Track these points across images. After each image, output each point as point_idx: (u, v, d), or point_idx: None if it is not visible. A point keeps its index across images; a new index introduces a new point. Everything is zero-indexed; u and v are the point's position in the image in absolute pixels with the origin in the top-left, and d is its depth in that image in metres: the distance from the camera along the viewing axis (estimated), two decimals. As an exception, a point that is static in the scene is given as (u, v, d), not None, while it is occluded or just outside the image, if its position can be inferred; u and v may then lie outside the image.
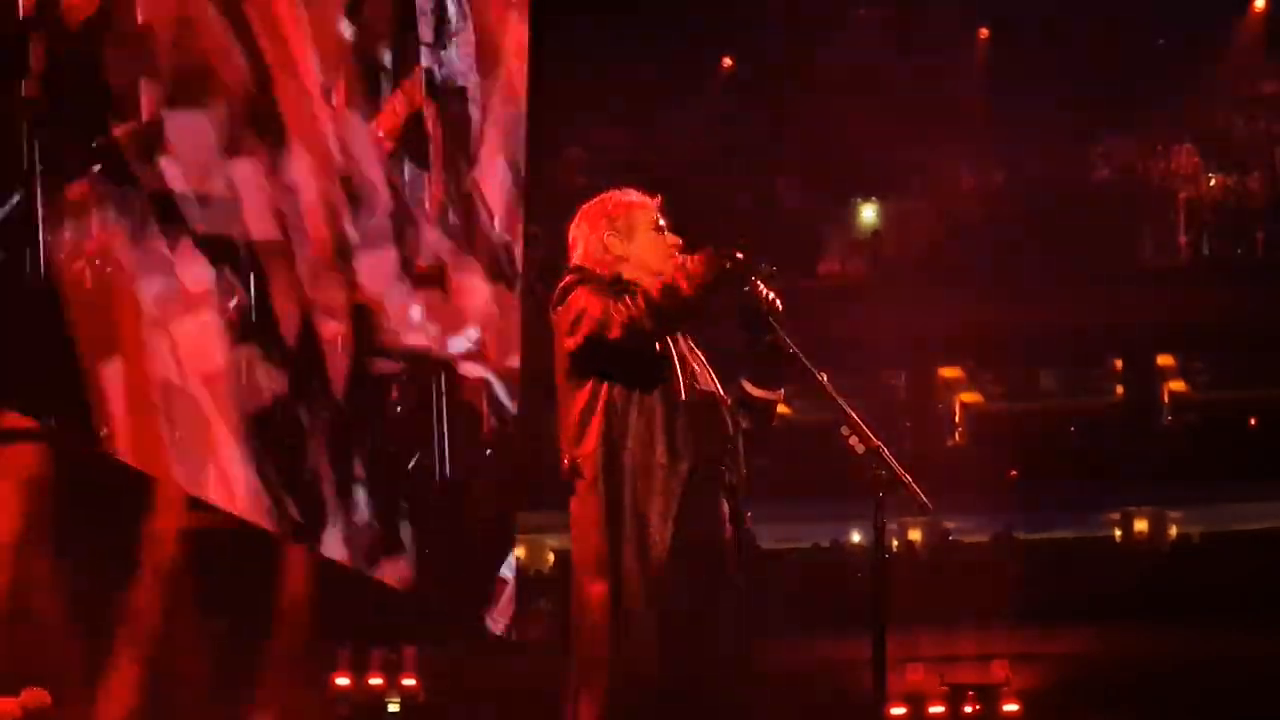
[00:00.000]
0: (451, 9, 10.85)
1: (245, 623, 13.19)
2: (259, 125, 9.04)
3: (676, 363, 4.73)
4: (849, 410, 4.55)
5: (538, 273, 15.26)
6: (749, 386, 4.82)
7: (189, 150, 8.38)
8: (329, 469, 9.55)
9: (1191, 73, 18.25)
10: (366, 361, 9.98)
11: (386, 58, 10.19)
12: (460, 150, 10.94)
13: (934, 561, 17.44)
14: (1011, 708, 15.96)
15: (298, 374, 9.24)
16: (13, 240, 7.24)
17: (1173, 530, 18.88)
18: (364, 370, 9.94)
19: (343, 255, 9.76)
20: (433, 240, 10.65)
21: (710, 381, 4.83)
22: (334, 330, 9.62)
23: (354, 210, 9.82)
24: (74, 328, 7.64)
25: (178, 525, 11.31)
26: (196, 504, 10.27)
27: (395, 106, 10.27)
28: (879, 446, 4.51)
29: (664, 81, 18.19)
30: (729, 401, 4.82)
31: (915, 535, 18.00)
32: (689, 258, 4.65)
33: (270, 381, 9.03)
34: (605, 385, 4.69)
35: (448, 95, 10.80)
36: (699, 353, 4.89)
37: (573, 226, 4.97)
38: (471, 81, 11.05)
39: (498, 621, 11.36)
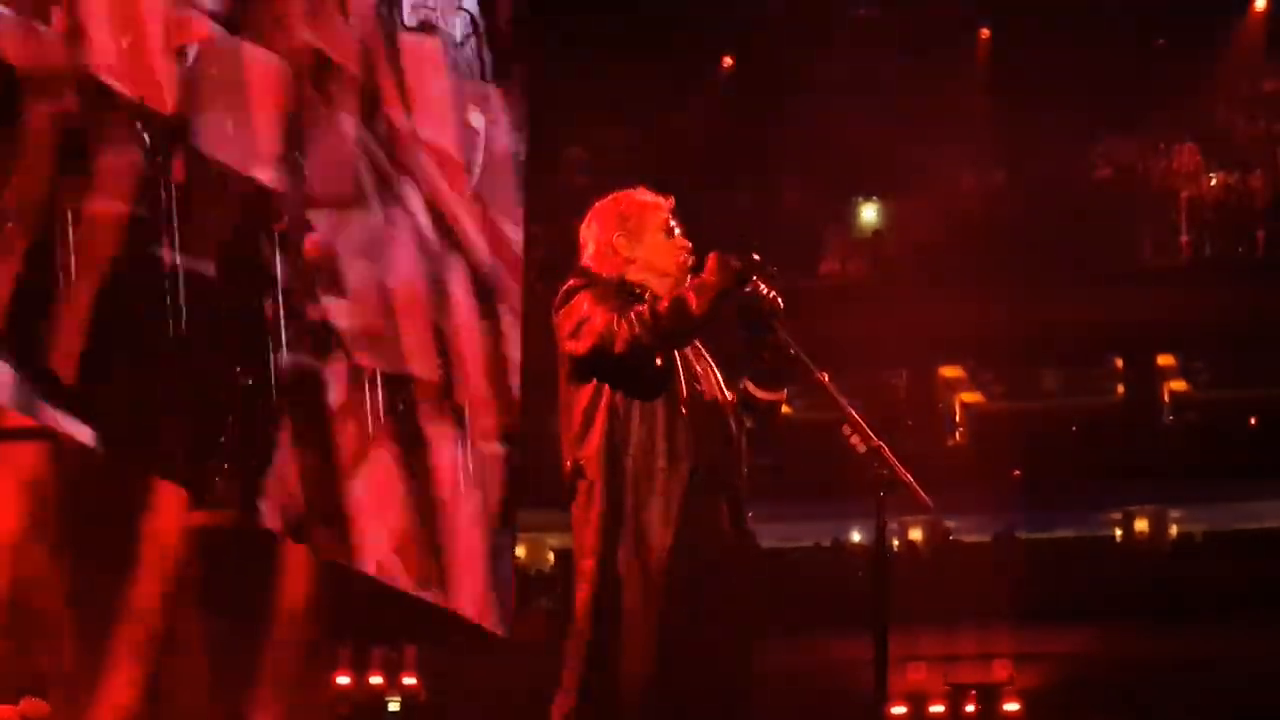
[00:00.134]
0: None
1: (246, 622, 13.18)
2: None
3: (679, 366, 4.72)
4: (850, 410, 4.55)
5: (538, 273, 15.26)
6: (751, 387, 4.82)
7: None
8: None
9: (1192, 72, 18.25)
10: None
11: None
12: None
13: (935, 561, 17.44)
14: (1012, 707, 15.97)
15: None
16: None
17: (1174, 530, 18.88)
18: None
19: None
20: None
21: (714, 384, 4.81)
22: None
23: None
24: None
25: (178, 524, 11.31)
26: (197, 503, 10.28)
27: None
28: (880, 446, 4.51)
29: (664, 81, 18.18)
30: (732, 403, 4.81)
31: (916, 535, 18.01)
32: (701, 276, 4.64)
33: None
34: (607, 388, 4.68)
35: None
36: (706, 354, 4.87)
37: (584, 226, 4.96)
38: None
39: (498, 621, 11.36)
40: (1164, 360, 19.11)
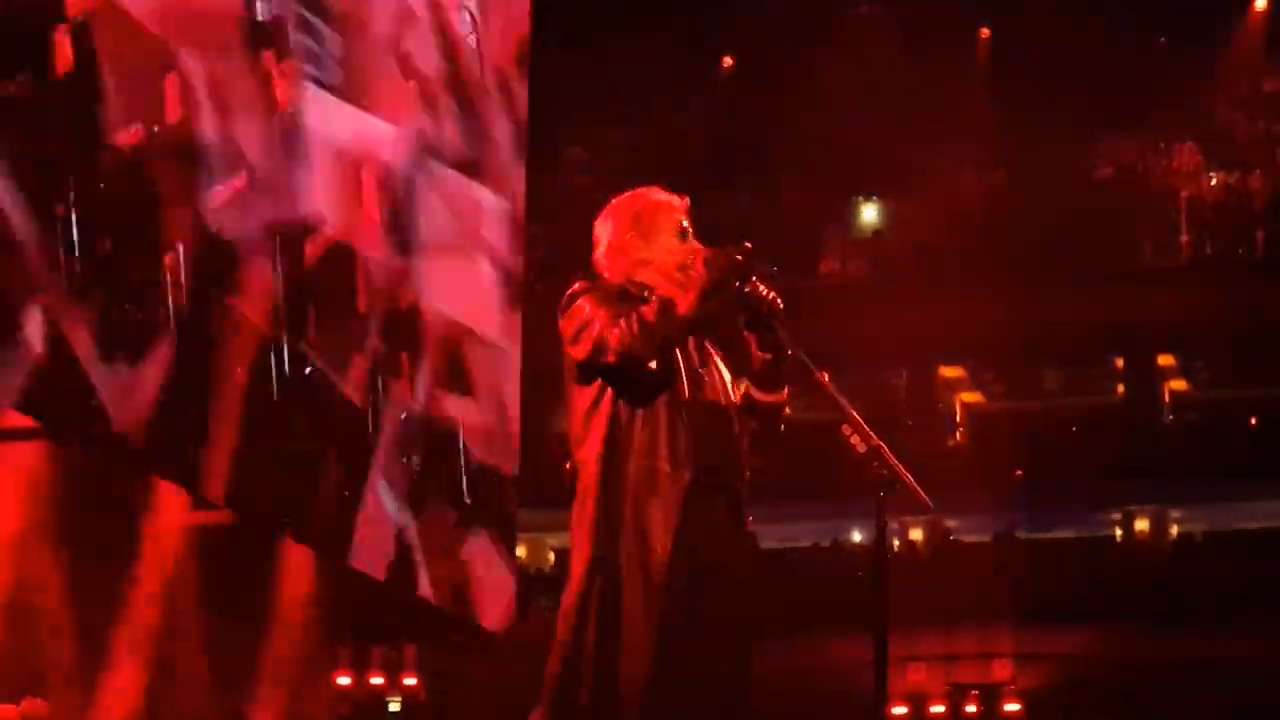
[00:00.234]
0: None
1: (246, 622, 13.18)
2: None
3: (682, 368, 4.71)
4: (850, 409, 4.54)
5: (538, 272, 15.26)
6: (752, 389, 4.80)
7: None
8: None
9: (1193, 72, 18.25)
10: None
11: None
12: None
13: (935, 561, 17.44)
14: (1013, 707, 15.96)
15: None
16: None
17: (1174, 529, 18.87)
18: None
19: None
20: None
21: (719, 385, 4.79)
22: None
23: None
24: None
25: (178, 524, 11.31)
26: (198, 503, 10.29)
27: None
28: (880, 445, 4.50)
29: (664, 81, 18.18)
30: (736, 405, 4.79)
31: (916, 535, 18.00)
32: (688, 274, 4.63)
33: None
34: (610, 391, 4.68)
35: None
36: (714, 354, 4.85)
37: (598, 221, 4.95)
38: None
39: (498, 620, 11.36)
40: (1164, 360, 19.11)
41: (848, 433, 4.50)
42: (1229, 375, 19.53)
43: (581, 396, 4.71)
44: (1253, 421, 18.57)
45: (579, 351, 4.63)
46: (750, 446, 4.81)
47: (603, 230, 4.92)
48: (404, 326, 9.70)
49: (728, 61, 19.59)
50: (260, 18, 8.56)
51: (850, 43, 18.05)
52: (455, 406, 10.10)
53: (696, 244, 4.84)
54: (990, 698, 16.03)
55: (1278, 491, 17.43)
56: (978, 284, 17.04)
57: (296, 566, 12.85)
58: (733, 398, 4.78)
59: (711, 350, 4.84)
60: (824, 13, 18.20)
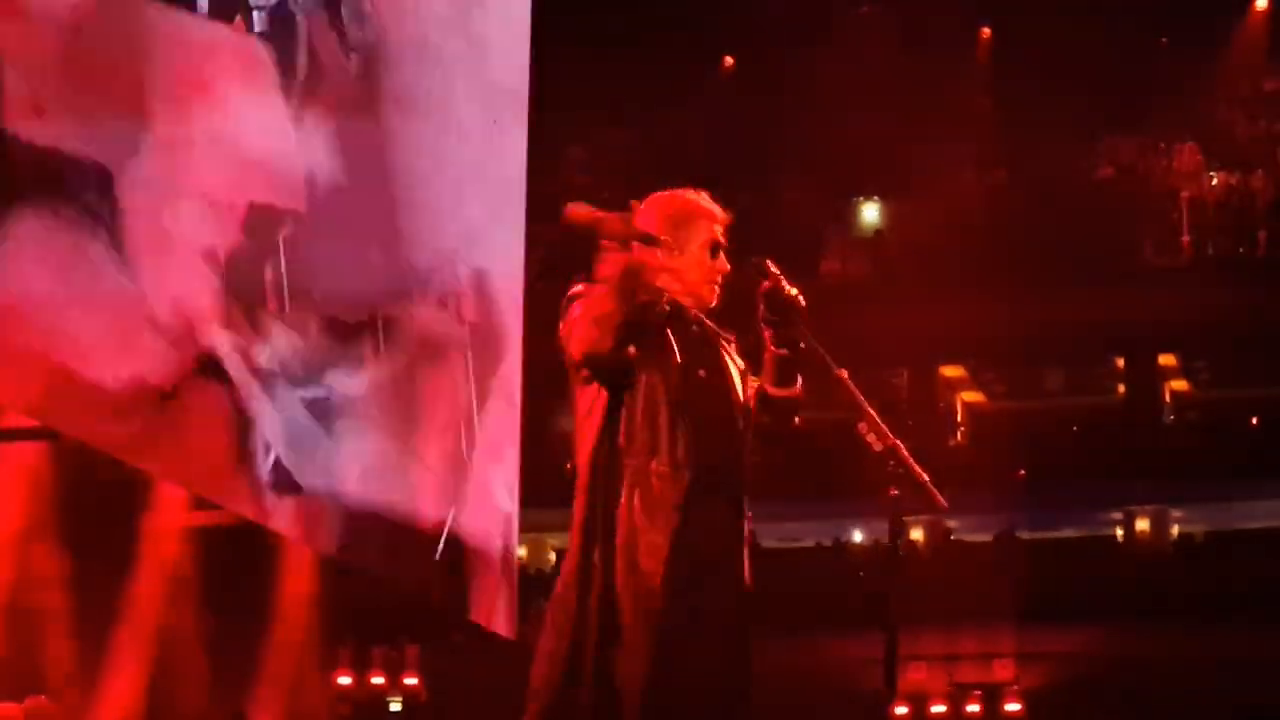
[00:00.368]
0: None
1: (247, 621, 13.19)
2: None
3: (680, 367, 4.69)
4: (868, 407, 4.54)
5: (538, 272, 15.25)
6: (767, 385, 4.78)
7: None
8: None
9: (1194, 71, 18.26)
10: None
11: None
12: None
13: (936, 561, 17.44)
14: (1014, 707, 15.96)
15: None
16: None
17: (1175, 529, 18.88)
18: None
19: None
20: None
21: (726, 381, 4.76)
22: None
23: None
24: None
25: (178, 524, 11.31)
26: (198, 503, 10.28)
27: None
28: (896, 444, 4.50)
29: (664, 81, 18.18)
30: (744, 402, 4.76)
31: (917, 534, 18.00)
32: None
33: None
34: (606, 391, 4.67)
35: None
36: (726, 347, 4.79)
37: (637, 216, 4.85)
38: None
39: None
40: (1165, 360, 19.12)
41: (864, 430, 4.49)
42: (1230, 375, 19.54)
43: (582, 398, 4.70)
44: (1253, 421, 18.58)
45: (571, 352, 4.64)
46: (760, 442, 4.78)
47: (639, 223, 4.83)
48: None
49: (728, 61, 19.59)
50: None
51: (850, 43, 18.07)
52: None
53: (725, 265, 4.77)
54: (992, 697, 16.04)
55: (1278, 491, 17.43)
56: (978, 284, 17.04)
57: (296, 566, 12.85)
58: (740, 395, 4.75)
59: (724, 346, 4.80)
60: (824, 13, 18.21)
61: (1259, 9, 18.87)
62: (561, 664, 4.58)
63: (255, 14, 7.86)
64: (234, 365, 7.21)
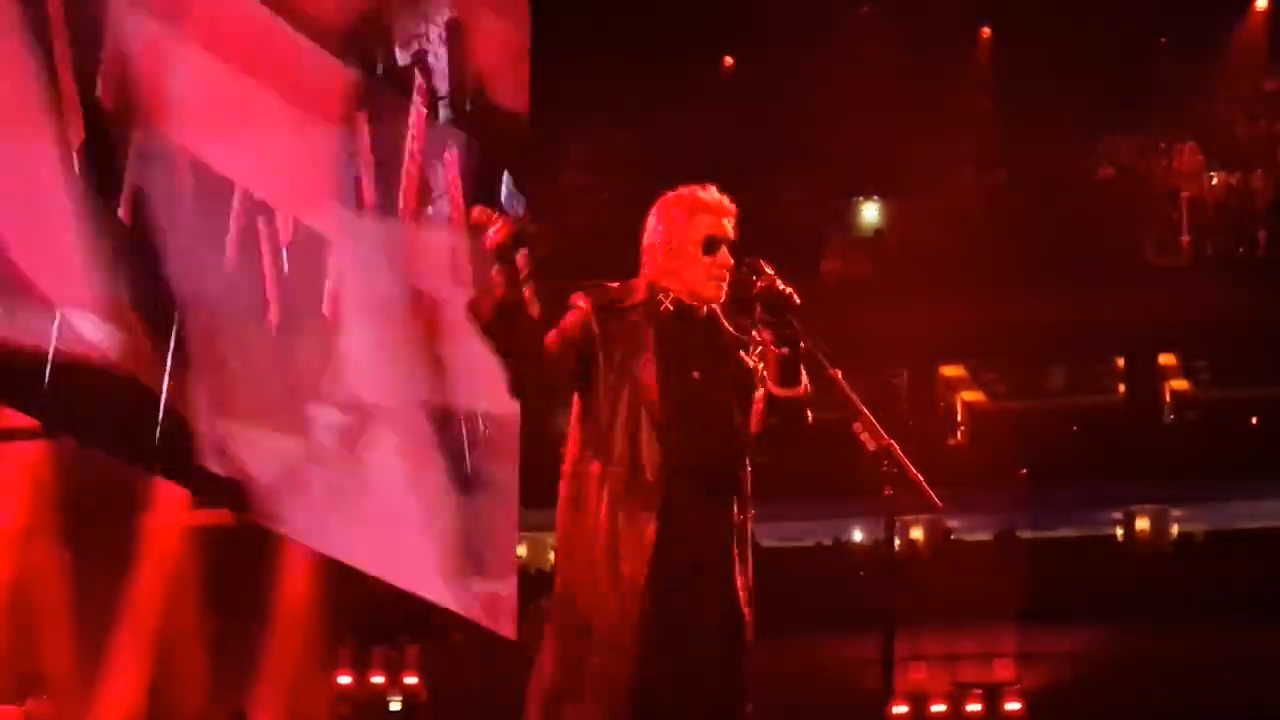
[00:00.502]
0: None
1: (246, 622, 13.19)
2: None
3: (662, 370, 4.66)
4: (862, 407, 4.53)
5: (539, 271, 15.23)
6: (771, 386, 4.73)
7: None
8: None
9: (1194, 71, 18.26)
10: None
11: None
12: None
13: (936, 560, 17.44)
14: (1014, 706, 15.97)
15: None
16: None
17: (1175, 529, 18.88)
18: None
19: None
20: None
21: (722, 380, 4.72)
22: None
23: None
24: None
25: (178, 524, 11.32)
26: (198, 502, 10.28)
27: None
28: (891, 444, 4.48)
29: (664, 81, 18.18)
30: (741, 401, 4.72)
31: (917, 534, 18.00)
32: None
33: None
34: (587, 396, 4.67)
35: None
36: (747, 351, 4.75)
37: (649, 214, 4.85)
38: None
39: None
40: (1165, 359, 19.11)
41: (859, 430, 4.48)
42: (1230, 375, 19.53)
43: (575, 404, 4.72)
44: (1254, 421, 18.57)
45: None
46: (771, 443, 4.75)
47: (647, 225, 4.83)
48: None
49: (728, 61, 19.59)
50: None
51: (850, 43, 18.05)
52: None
53: (727, 259, 4.71)
54: (992, 697, 16.04)
55: (1278, 491, 17.43)
56: (978, 284, 17.04)
57: (296, 566, 12.85)
58: (746, 397, 4.70)
59: (737, 346, 4.75)
60: (824, 13, 18.19)
61: (1259, 9, 18.87)
62: (556, 672, 4.58)
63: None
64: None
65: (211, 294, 8.24)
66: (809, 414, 4.75)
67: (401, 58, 9.86)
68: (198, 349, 8.08)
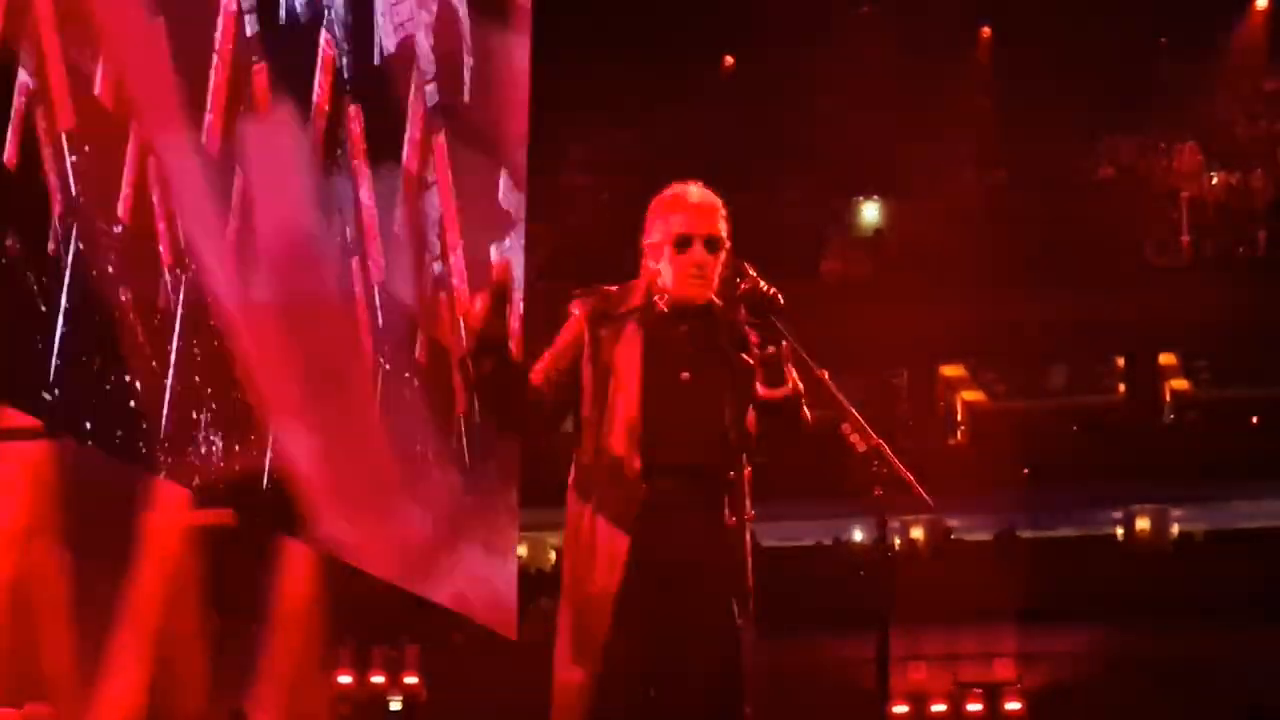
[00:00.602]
0: None
1: (247, 620, 13.19)
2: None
3: (647, 371, 4.66)
4: (850, 407, 4.52)
5: (538, 272, 15.27)
6: (760, 387, 4.72)
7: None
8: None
9: (1194, 71, 18.27)
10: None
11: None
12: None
13: (936, 560, 17.45)
14: (1014, 706, 15.97)
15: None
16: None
17: (1175, 529, 18.89)
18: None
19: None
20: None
21: (709, 381, 4.71)
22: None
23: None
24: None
25: (179, 524, 11.31)
26: (199, 502, 10.28)
27: None
28: (880, 444, 4.47)
29: (664, 81, 18.18)
30: (731, 401, 4.72)
31: (917, 533, 18.01)
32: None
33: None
34: (579, 401, 4.70)
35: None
36: (744, 352, 4.74)
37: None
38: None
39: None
40: (1165, 359, 19.12)
41: (848, 431, 4.47)
42: (1230, 375, 19.54)
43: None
44: (1254, 421, 18.58)
45: None
46: (771, 444, 4.74)
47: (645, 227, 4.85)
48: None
49: (728, 61, 19.59)
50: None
51: (850, 43, 18.05)
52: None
53: (700, 256, 4.68)
54: (992, 696, 16.04)
55: (1278, 491, 17.44)
56: (978, 284, 17.04)
57: (296, 566, 12.85)
58: (739, 397, 4.70)
59: (718, 349, 4.74)
60: (824, 13, 18.20)
61: (1259, 9, 18.87)
62: (567, 677, 4.60)
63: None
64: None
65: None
66: (806, 414, 4.73)
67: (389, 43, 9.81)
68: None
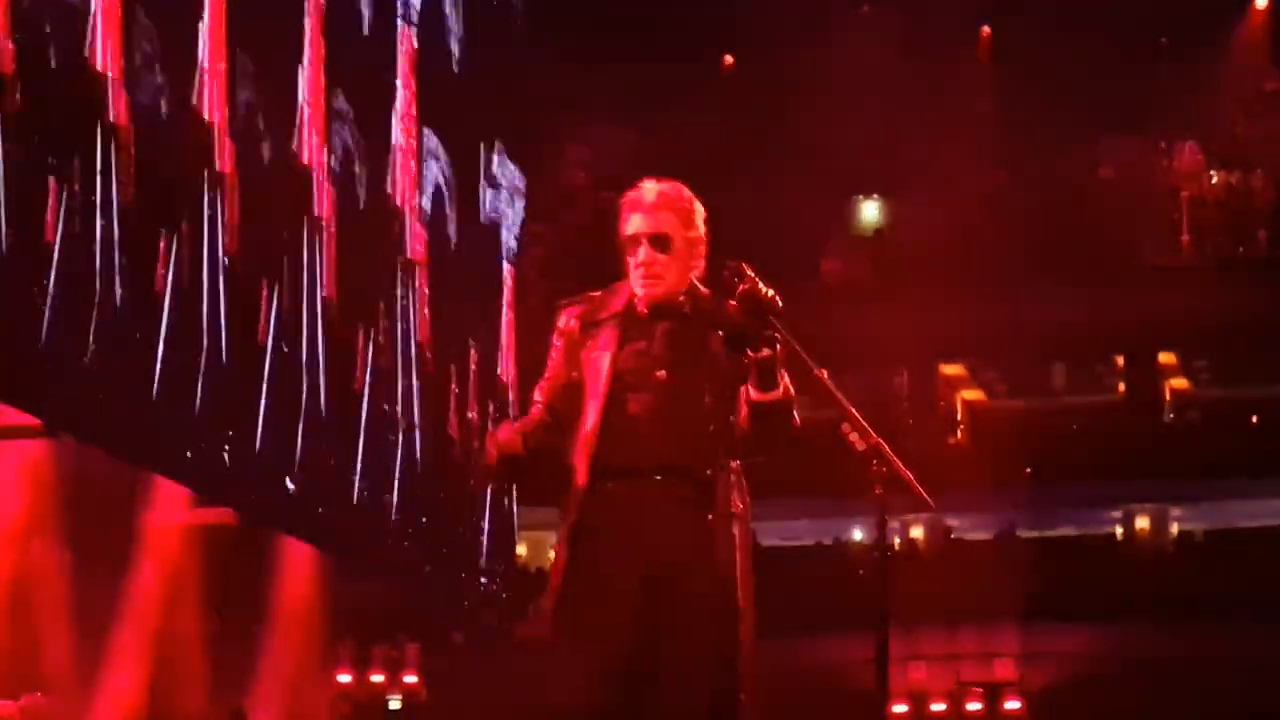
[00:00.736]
0: None
1: (247, 619, 13.18)
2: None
3: (620, 373, 4.65)
4: (849, 407, 4.52)
5: (538, 271, 15.26)
6: (752, 390, 4.69)
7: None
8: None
9: (1194, 71, 18.25)
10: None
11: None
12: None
13: (936, 559, 17.44)
14: (1014, 705, 15.97)
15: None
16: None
17: (1175, 528, 18.88)
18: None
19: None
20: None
21: (694, 384, 4.69)
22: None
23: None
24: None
25: (179, 523, 11.31)
26: (199, 501, 10.29)
27: None
28: (879, 443, 4.47)
29: (664, 81, 18.17)
30: (708, 407, 4.68)
31: (917, 533, 18.00)
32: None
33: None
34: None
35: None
36: (719, 348, 4.72)
37: None
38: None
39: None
40: (1165, 358, 19.12)
41: (847, 430, 4.47)
42: (1230, 375, 19.54)
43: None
44: (1254, 420, 18.58)
45: None
46: (760, 446, 4.73)
47: None
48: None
49: (728, 61, 19.58)
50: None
51: (850, 43, 18.04)
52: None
53: (649, 256, 4.67)
54: (992, 696, 16.04)
55: (1278, 490, 17.43)
56: (978, 284, 17.04)
57: (296, 566, 12.84)
58: (700, 396, 4.67)
59: (699, 348, 4.71)
60: (824, 13, 18.19)
61: (1259, 9, 18.87)
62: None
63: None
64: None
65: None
66: (795, 419, 4.72)
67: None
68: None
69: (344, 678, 16.14)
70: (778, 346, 4.58)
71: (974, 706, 16.04)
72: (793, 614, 14.32)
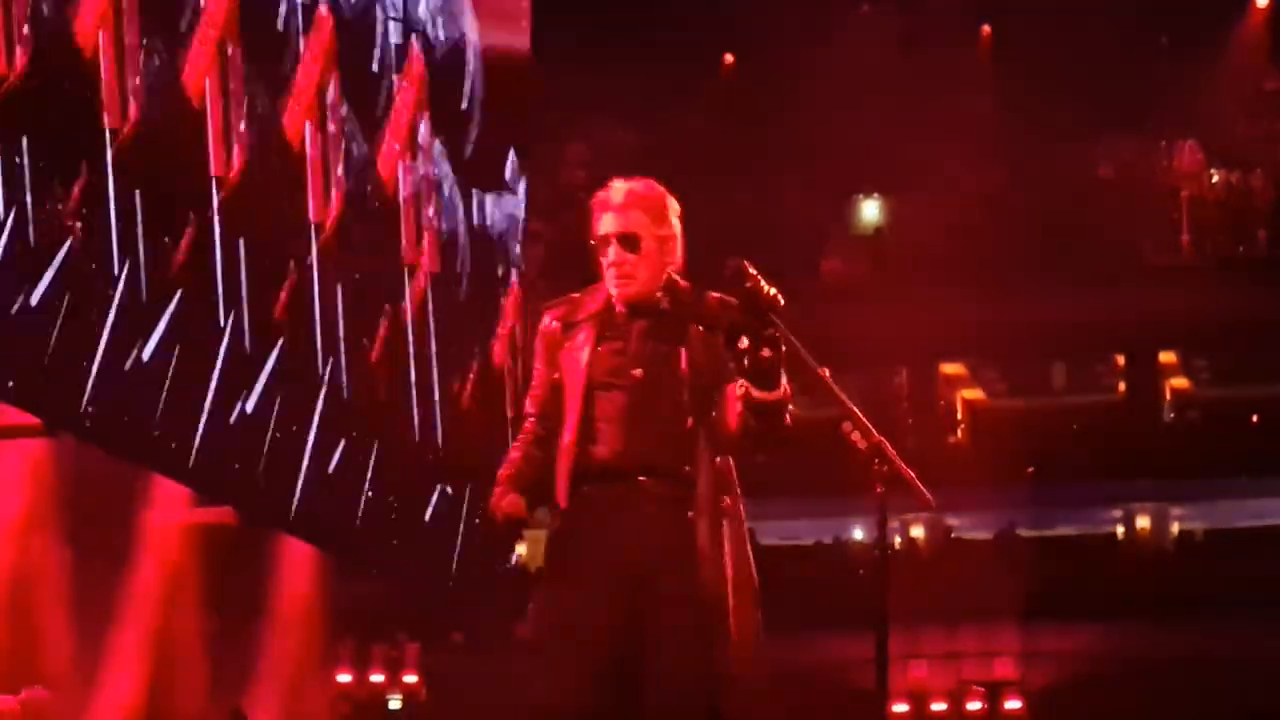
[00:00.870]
0: None
1: (247, 619, 13.18)
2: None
3: (595, 372, 4.65)
4: (851, 406, 4.51)
5: (539, 269, 15.28)
6: (750, 389, 4.68)
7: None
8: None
9: (1194, 71, 18.25)
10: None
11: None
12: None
13: (937, 558, 17.44)
14: (1014, 705, 15.97)
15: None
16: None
17: (1175, 527, 18.88)
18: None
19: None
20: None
21: (674, 381, 4.67)
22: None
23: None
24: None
25: (179, 523, 11.31)
26: (199, 500, 10.29)
27: None
28: (881, 442, 4.46)
29: (664, 81, 18.18)
30: (693, 402, 4.67)
31: (917, 532, 18.00)
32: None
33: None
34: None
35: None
36: (700, 344, 4.71)
37: None
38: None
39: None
40: (1166, 358, 19.12)
41: (849, 429, 4.46)
42: (1230, 374, 19.54)
43: None
44: (1254, 419, 18.58)
45: None
46: (755, 446, 4.72)
47: None
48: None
49: (728, 61, 19.58)
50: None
51: (850, 43, 18.04)
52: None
53: (616, 256, 4.67)
54: (992, 695, 16.04)
55: (1278, 490, 17.43)
56: (978, 283, 17.04)
57: (296, 566, 12.84)
58: (678, 394, 4.65)
59: (678, 346, 4.69)
60: (824, 13, 18.19)
61: (1259, 9, 18.87)
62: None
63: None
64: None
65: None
66: (789, 418, 4.70)
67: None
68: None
69: (344, 677, 16.14)
70: (780, 347, 4.57)
71: (974, 706, 16.03)
72: (793, 614, 14.32)
